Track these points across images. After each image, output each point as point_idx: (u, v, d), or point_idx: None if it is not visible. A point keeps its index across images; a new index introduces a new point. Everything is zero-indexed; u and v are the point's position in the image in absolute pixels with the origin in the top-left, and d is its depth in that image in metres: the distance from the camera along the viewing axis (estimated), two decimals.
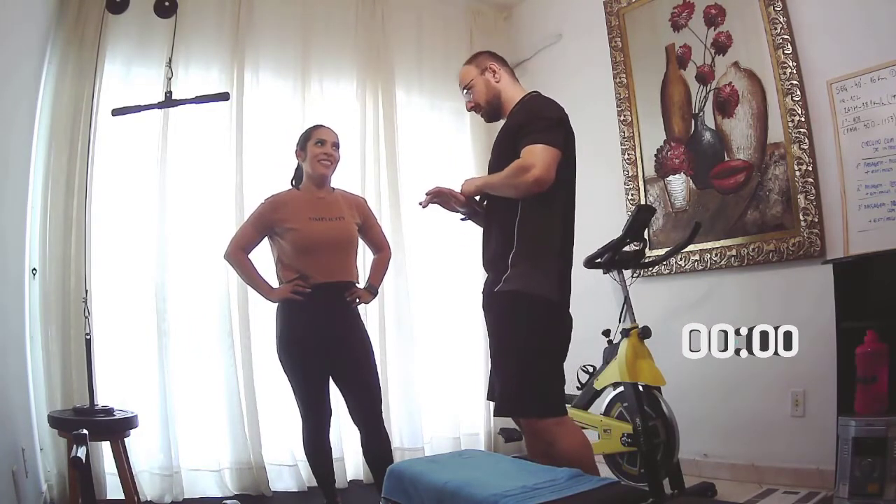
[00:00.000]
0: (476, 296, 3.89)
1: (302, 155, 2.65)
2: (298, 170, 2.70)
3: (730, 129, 3.17)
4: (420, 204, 2.22)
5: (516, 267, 2.03)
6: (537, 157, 1.95)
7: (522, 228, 2.03)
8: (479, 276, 3.93)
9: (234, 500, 2.84)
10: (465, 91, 2.29)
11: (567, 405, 2.91)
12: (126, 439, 2.59)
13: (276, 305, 2.59)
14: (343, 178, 3.62)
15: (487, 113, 2.28)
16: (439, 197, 2.19)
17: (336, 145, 2.65)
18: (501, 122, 2.27)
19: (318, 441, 2.58)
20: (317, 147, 2.60)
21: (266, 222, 2.59)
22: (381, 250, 2.81)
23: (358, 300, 2.62)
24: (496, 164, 2.13)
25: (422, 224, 3.84)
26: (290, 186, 2.71)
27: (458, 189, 2.19)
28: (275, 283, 2.61)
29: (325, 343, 2.50)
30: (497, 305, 2.08)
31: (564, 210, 2.08)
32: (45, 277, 2.87)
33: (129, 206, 3.14)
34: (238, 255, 2.60)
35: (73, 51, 2.98)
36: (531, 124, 2.02)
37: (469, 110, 2.33)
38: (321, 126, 2.70)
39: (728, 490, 2.89)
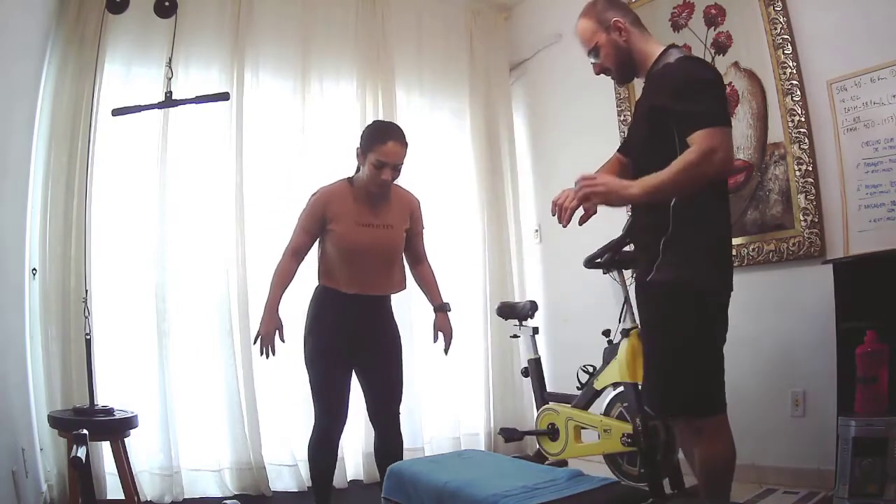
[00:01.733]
0: (476, 297, 3.95)
1: (361, 159, 2.43)
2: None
3: None
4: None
5: (668, 253, 1.81)
6: (717, 139, 1.70)
7: (679, 211, 1.80)
8: (479, 276, 3.99)
9: (235, 501, 2.84)
10: (590, 54, 1.99)
11: (567, 405, 2.95)
12: (126, 439, 2.59)
13: (308, 297, 2.53)
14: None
15: (619, 76, 2.01)
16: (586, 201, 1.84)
17: (398, 168, 2.40)
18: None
19: (329, 443, 2.49)
20: (376, 169, 2.36)
21: (318, 215, 2.44)
22: (421, 262, 2.63)
23: (448, 339, 2.60)
24: (640, 145, 1.94)
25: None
26: (352, 176, 2.51)
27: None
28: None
29: (355, 337, 2.44)
30: (648, 298, 1.87)
31: (724, 186, 1.86)
32: (45, 277, 2.87)
33: (129, 206, 3.14)
34: (287, 264, 2.44)
35: (73, 50, 2.98)
36: (692, 102, 1.74)
37: (597, 73, 2.04)
38: (390, 140, 2.36)
39: None
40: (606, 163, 2.17)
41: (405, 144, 2.42)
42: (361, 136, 2.46)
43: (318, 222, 2.45)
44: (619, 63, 1.96)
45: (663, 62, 1.89)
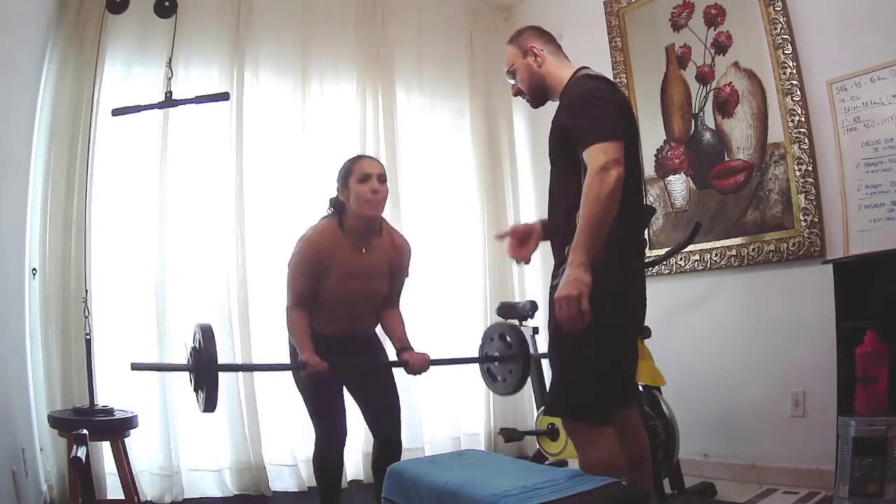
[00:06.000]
0: (476, 297, 3.95)
1: (345, 193, 2.33)
2: (338, 204, 2.38)
3: (730, 129, 3.17)
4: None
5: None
6: (607, 155, 1.75)
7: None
8: (479, 276, 3.99)
9: None
10: (508, 75, 2.13)
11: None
12: (126, 439, 2.59)
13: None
14: None
15: (532, 99, 2.12)
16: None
17: (383, 178, 2.33)
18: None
19: (332, 460, 2.41)
20: (361, 184, 2.28)
21: (314, 262, 2.31)
22: (391, 308, 2.50)
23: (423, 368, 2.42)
24: (553, 158, 2.02)
25: (422, 224, 3.84)
26: (329, 215, 2.40)
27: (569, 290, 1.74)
28: None
29: (344, 372, 2.37)
30: (551, 301, 1.91)
31: (624, 194, 1.83)
32: (45, 277, 2.87)
33: (129, 205, 3.13)
34: (298, 314, 2.32)
35: (73, 50, 2.98)
36: (582, 117, 1.84)
37: (514, 95, 2.16)
38: (363, 158, 2.43)
39: (728, 490, 2.89)
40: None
41: (380, 163, 2.41)
42: (337, 177, 2.37)
43: (315, 268, 2.32)
44: (532, 85, 2.07)
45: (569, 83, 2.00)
